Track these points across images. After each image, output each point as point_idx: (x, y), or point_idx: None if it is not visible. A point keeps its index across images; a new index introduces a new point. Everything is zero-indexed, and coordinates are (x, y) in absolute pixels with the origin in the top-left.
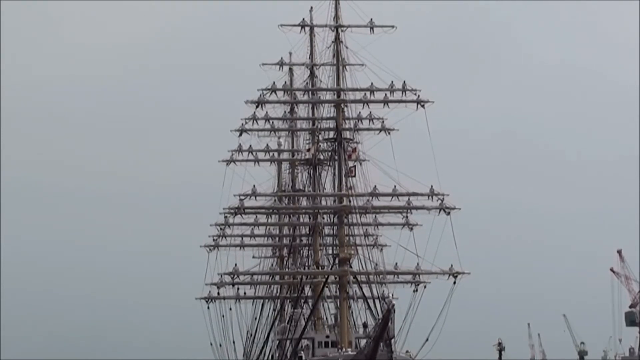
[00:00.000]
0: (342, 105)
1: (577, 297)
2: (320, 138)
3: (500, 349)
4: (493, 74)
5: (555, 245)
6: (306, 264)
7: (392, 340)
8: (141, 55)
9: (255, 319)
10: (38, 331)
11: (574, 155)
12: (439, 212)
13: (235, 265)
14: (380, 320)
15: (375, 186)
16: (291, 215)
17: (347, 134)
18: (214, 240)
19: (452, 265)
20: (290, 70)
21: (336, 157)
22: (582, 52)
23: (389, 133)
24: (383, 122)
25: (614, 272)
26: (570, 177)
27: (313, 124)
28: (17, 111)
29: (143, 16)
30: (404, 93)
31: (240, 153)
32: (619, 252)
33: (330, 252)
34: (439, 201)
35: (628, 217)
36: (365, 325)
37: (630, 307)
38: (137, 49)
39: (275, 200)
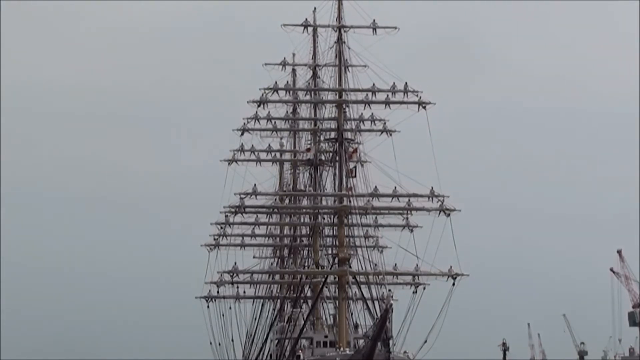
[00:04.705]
0: (344, 106)
1: (577, 297)
2: (322, 138)
3: (505, 349)
4: (495, 75)
5: (555, 245)
6: (306, 264)
7: (390, 341)
8: (142, 53)
9: (255, 318)
10: (38, 331)
11: (574, 156)
12: (439, 213)
13: (235, 264)
14: (378, 320)
15: (375, 187)
16: (291, 215)
17: (349, 135)
18: (214, 239)
19: (451, 267)
20: (293, 70)
21: (337, 158)
22: (584, 53)
23: (391, 134)
24: (385, 123)
25: (614, 272)
26: (570, 178)
27: (315, 125)
28: (16, 111)
29: (145, 15)
30: (405, 94)
31: (242, 153)
32: (619, 252)
33: (330, 252)
34: (439, 203)
35: (628, 217)
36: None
37: (633, 307)
38: (139, 48)
39: (275, 199)
